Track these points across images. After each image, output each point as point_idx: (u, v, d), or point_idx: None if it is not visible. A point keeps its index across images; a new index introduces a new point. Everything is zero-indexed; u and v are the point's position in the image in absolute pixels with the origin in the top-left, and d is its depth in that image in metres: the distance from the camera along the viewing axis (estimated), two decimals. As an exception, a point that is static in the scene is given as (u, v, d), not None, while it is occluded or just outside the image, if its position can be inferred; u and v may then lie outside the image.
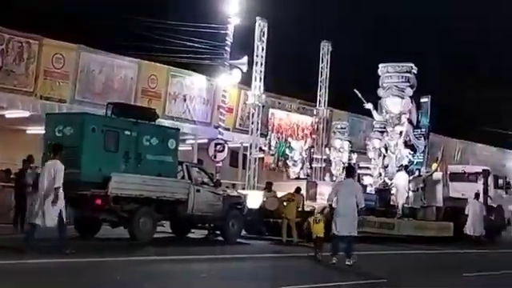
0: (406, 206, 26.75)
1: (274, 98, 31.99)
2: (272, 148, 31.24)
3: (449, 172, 31.76)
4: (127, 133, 17.97)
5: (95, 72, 26.82)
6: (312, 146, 32.63)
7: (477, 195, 27.48)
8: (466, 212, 26.44)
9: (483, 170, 31.81)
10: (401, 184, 26.73)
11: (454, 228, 27.84)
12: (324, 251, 16.54)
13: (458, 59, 50.63)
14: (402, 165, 27.77)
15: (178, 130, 21.10)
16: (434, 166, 29.51)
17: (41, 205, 14.15)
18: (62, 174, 14.15)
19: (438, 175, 28.85)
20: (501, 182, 32.56)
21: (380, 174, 28.10)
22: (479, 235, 26.48)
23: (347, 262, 15.38)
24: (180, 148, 20.48)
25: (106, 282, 11.18)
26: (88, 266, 13.03)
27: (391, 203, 26.95)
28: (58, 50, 25.63)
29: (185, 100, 30.07)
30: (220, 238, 20.78)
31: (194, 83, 30.47)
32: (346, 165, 25.91)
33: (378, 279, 13.64)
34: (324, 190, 26.44)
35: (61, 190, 14.15)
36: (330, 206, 16.16)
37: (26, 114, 25.28)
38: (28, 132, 27.81)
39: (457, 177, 31.46)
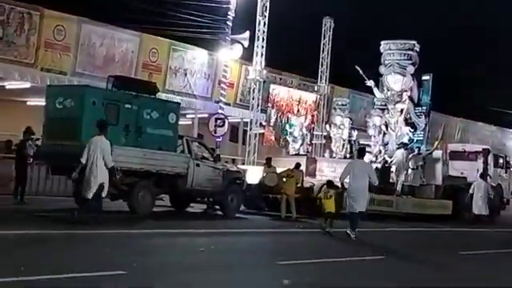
0: (405, 183, 26.84)
1: (274, 74, 31.97)
2: (272, 124, 31.24)
3: (449, 150, 31.81)
4: (128, 106, 17.96)
5: (96, 44, 26.82)
6: (312, 123, 32.64)
7: (482, 175, 27.62)
8: (471, 191, 26.58)
9: (483, 149, 31.86)
10: (400, 162, 26.78)
11: (452, 206, 27.95)
12: (335, 227, 17.47)
13: (460, 37, 50.50)
14: (401, 142, 27.80)
15: (179, 104, 21.12)
16: (435, 144, 29.56)
17: (88, 179, 14.98)
18: (110, 151, 15.19)
19: (437, 153, 28.89)
20: (500, 161, 32.64)
21: (380, 152, 28.13)
22: (484, 214, 26.63)
23: (351, 234, 16.38)
24: (180, 122, 20.52)
25: (103, 254, 11.26)
26: (86, 238, 13.13)
27: (390, 181, 27.02)
28: (59, 22, 25.61)
29: (186, 74, 30.09)
30: (219, 213, 20.89)
31: (196, 57, 30.46)
32: (358, 146, 25.93)
33: (376, 256, 13.76)
34: (323, 167, 26.62)
35: (103, 166, 15.02)
36: (342, 184, 17.21)
37: (27, 85, 25.34)
38: (28, 103, 27.87)
39: (457, 155, 31.51)
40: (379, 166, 26.97)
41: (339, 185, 17.78)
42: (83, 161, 15.10)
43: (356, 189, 16.78)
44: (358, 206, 16.79)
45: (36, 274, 8.81)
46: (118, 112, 17.75)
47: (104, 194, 15.42)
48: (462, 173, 30.41)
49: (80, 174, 15.31)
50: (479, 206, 26.34)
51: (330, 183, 19.44)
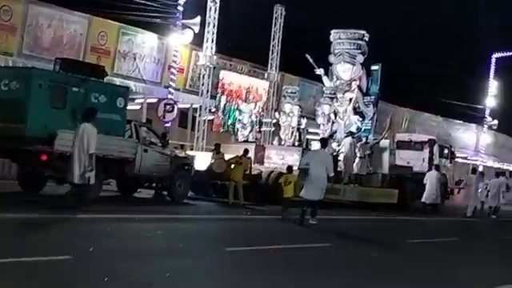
0: (352, 172, 27.09)
1: (225, 60, 31.85)
2: (221, 110, 31.15)
3: (396, 140, 32.24)
4: (75, 89, 17.71)
5: (44, 26, 26.30)
6: (262, 110, 32.66)
7: (436, 166, 28.62)
8: (425, 181, 27.25)
9: (429, 140, 32.36)
10: (348, 150, 27.00)
11: (398, 195, 28.34)
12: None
13: (409, 28, 51.10)
14: (350, 131, 28.02)
15: (128, 88, 20.98)
16: (382, 133, 29.89)
17: (72, 164, 15.20)
18: (95, 139, 15.35)
19: (385, 143, 29.24)
20: (446, 151, 33.24)
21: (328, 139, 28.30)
22: (436, 204, 27.19)
23: (312, 221, 17.03)
24: (129, 107, 20.34)
25: (48, 239, 11.12)
26: (31, 222, 12.94)
27: (338, 169, 27.23)
28: (5, 2, 25.02)
29: (135, 58, 29.74)
30: (167, 199, 20.81)
31: (145, 42, 30.14)
32: (321, 136, 26.03)
33: (324, 243, 13.87)
34: (272, 154, 26.71)
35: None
36: (302, 170, 17.99)
37: (-29, 66, 24.74)
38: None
39: (403, 145, 31.94)
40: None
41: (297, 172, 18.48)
42: (70, 149, 15.42)
43: (317, 177, 17.22)
44: (316, 194, 17.28)
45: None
46: (65, 95, 17.51)
47: (92, 181, 15.44)
48: (408, 162, 30.85)
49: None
50: (430, 196, 26.86)
51: (289, 169, 19.84)
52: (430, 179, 27.15)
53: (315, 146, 28.64)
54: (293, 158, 25.47)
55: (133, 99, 27.53)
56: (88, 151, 15.26)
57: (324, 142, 19.49)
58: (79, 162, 15.28)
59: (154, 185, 21.14)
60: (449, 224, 25.11)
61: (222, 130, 31.11)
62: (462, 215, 27.57)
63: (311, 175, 17.25)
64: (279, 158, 26.15)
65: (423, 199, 27.04)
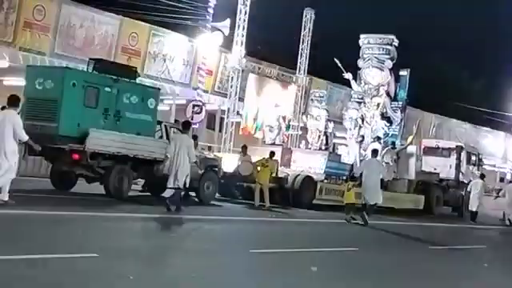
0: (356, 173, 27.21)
1: (253, 63, 32.07)
2: (247, 114, 31.34)
3: (423, 146, 32.22)
4: (107, 89, 18.06)
5: (76, 26, 26.74)
6: (289, 113, 32.80)
7: (482, 175, 29.24)
8: (469, 189, 28.14)
9: (457, 146, 32.34)
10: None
11: (424, 201, 28.40)
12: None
13: (439, 33, 50.97)
14: (377, 136, 28.13)
15: (159, 89, 21.25)
16: (409, 139, 29.93)
17: (175, 172, 16.74)
18: (193, 149, 17.30)
19: (412, 148, 29.29)
20: (473, 158, 33.14)
21: (358, 144, 28.41)
22: (475, 211, 27.77)
23: (361, 222, 19.28)
24: (158, 108, 20.63)
25: (77, 236, 11.40)
26: (61, 220, 13.25)
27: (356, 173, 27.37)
28: (39, 2, 25.48)
29: (165, 60, 30.09)
30: (195, 199, 21.05)
31: (175, 43, 30.48)
32: (372, 147, 26.37)
33: (350, 247, 13.99)
34: (298, 157, 26.87)
35: (187, 162, 16.80)
36: (357, 178, 20.48)
37: (5, 64, 25.22)
38: (5, 83, 27.74)
39: (430, 151, 31.93)
40: (354, 158, 27.38)
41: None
42: (168, 155, 16.87)
43: (372, 184, 19.71)
44: (371, 199, 19.73)
45: (10, 253, 8.90)
46: (97, 95, 17.84)
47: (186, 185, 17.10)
48: (434, 168, 30.86)
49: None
50: (475, 203, 27.51)
51: (352, 177, 21.41)
52: (475, 187, 27.49)
53: (342, 150, 28.84)
54: (319, 162, 25.66)
55: (162, 100, 27.85)
56: (190, 160, 16.85)
57: (375, 152, 21.96)
58: (178, 168, 16.68)
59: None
60: (471, 231, 25.12)
61: (253, 133, 31.23)
62: (501, 223, 27.82)
63: (366, 182, 19.63)
64: (306, 162, 26.33)
65: (470, 207, 27.74)
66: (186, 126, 17.93)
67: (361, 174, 20.26)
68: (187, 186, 17.29)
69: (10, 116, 13.90)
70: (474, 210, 27.59)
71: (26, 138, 14.08)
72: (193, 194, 21.26)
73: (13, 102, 14.24)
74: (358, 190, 20.41)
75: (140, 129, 18.58)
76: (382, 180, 20.75)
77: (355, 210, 20.04)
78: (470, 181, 28.95)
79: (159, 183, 20.79)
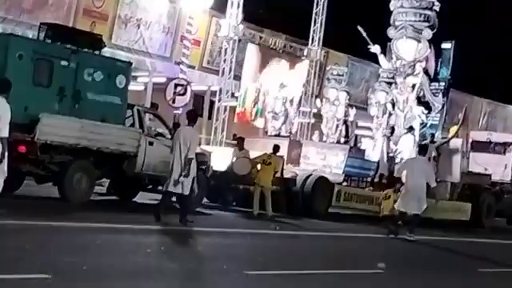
0: (396, 175, 27.17)
1: (253, 31, 31.98)
2: (247, 95, 31.32)
3: (471, 140, 32.10)
4: (64, 63, 18.00)
5: (24, -18, 26.71)
6: (300, 96, 32.78)
7: None
8: None
9: (514, 141, 32.31)
10: (408, 151, 27.05)
11: (472, 210, 28.37)
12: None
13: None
14: (411, 126, 28.08)
15: (130, 63, 21.14)
16: (453, 130, 29.86)
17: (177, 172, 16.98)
18: (197, 145, 17.80)
19: (456, 143, 29.18)
20: (535, 155, 33.09)
21: (385, 137, 28.38)
22: None
23: (409, 237, 19.64)
24: (130, 87, 20.57)
25: (24, 252, 11.33)
26: (3, 230, 13.17)
27: (396, 175, 27.31)
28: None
29: (139, 26, 30.04)
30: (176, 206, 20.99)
31: (153, 4, 30.42)
32: (420, 142, 26.54)
33: (377, 269, 13.90)
34: (310, 153, 26.82)
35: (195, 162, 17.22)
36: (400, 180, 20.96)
37: None
38: None
39: (480, 146, 31.90)
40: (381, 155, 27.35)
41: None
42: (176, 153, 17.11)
43: (415, 188, 19.79)
44: (414, 207, 19.88)
45: None
46: (51, 70, 17.81)
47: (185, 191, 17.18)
48: (485, 169, 30.81)
49: None
50: None
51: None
52: None
53: (366, 143, 28.80)
54: (337, 159, 25.61)
55: (135, 77, 27.79)
56: (188, 156, 16.87)
57: (423, 149, 22.07)
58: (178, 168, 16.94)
59: (160, 187, 21.32)
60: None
61: (252, 121, 31.21)
62: None
63: (408, 186, 19.80)
64: (320, 158, 26.28)
65: None
66: (192, 116, 17.94)
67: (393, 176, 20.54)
68: (196, 191, 18.08)
69: None
70: None
71: None
72: (173, 197, 21.20)
73: None
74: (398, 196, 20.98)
75: (105, 114, 18.51)
76: (428, 186, 20.51)
77: (397, 222, 20.27)
78: (497, 182, 28.65)
79: (129, 184, 20.83)
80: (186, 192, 17.16)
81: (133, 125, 19.67)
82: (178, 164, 16.95)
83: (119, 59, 22.05)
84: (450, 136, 29.39)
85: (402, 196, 20.34)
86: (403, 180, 20.26)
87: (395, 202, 21.07)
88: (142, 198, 21.87)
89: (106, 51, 22.86)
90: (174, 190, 17.16)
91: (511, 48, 48.74)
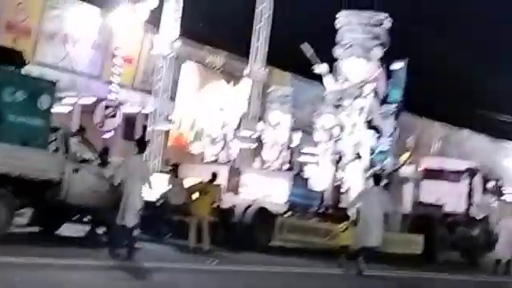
0: (352, 208, 27.27)
1: (191, 48, 31.97)
2: (183, 118, 31.28)
3: (422, 167, 32.37)
4: (-21, 82, 17.84)
5: None
6: (240, 119, 32.80)
7: None
8: (497, 230, 28.52)
9: (469, 168, 32.54)
10: (356, 179, 27.17)
11: (424, 243, 28.52)
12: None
13: (447, 13, 51.44)
14: (358, 153, 28.21)
15: (55, 82, 20.97)
16: (404, 157, 30.05)
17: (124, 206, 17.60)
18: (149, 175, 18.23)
19: (407, 170, 29.41)
20: (491, 185, 33.38)
21: (332, 164, 28.49)
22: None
23: (363, 272, 20.01)
24: (55, 109, 20.39)
25: None
26: None
27: (341, 205, 27.42)
28: None
29: (65, 41, 29.86)
30: (104, 239, 20.85)
31: (81, 19, 30.24)
32: (372, 171, 26.72)
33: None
34: (249, 180, 26.78)
35: (140, 193, 17.79)
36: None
37: None
38: None
39: (433, 174, 32.04)
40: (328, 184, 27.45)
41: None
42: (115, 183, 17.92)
43: (372, 221, 20.18)
44: (370, 241, 20.17)
45: None
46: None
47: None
48: (438, 198, 31.00)
49: None
50: (506, 249, 27.65)
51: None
52: (507, 228, 27.63)
53: (310, 171, 28.87)
54: (279, 188, 25.64)
55: (61, 98, 27.59)
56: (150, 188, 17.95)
57: (378, 179, 22.27)
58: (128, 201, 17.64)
59: (86, 218, 21.15)
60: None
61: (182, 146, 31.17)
62: None
63: (366, 219, 20.14)
64: (261, 187, 26.26)
65: (496, 254, 27.97)
66: (141, 144, 18.65)
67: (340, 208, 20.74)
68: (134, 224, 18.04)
69: None
70: (504, 259, 27.71)
71: None
72: (101, 230, 21.05)
73: None
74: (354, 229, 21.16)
75: (27, 137, 18.29)
76: (386, 216, 21.24)
77: (352, 255, 20.50)
78: (486, 217, 29.05)
79: (53, 214, 20.62)
80: (131, 224, 17.51)
81: (57, 149, 19.47)
82: (133, 197, 17.40)
83: (43, 78, 21.81)
84: (400, 163, 29.57)
85: (359, 229, 20.58)
86: (354, 213, 20.94)
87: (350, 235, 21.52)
88: (68, 229, 21.67)
89: (29, 69, 22.70)
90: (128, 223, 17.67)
91: (465, 70, 49.35)
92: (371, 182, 27.55)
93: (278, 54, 35.00)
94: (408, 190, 29.08)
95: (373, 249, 20.44)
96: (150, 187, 18.15)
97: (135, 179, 17.67)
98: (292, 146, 28.77)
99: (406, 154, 30.28)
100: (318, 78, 31.06)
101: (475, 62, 50.10)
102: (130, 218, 17.51)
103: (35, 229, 20.89)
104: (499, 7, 53.01)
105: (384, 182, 28.05)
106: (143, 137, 19.41)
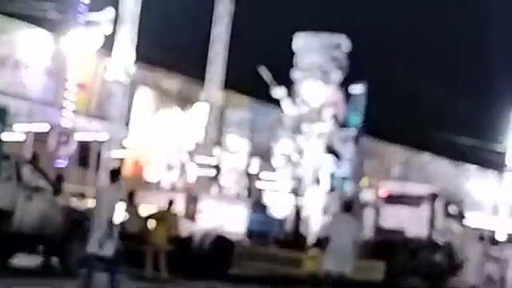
0: (319, 236, 27.33)
1: (146, 72, 31.97)
2: (138, 144, 31.25)
3: (383, 192, 32.53)
4: None
5: None
6: (196, 145, 32.81)
7: (481, 238, 29.86)
8: (463, 256, 29.27)
9: (430, 193, 32.75)
10: (315, 205, 27.30)
11: (385, 270, 28.66)
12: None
13: (406, 37, 51.89)
14: (318, 178, 28.35)
15: (5, 109, 20.93)
16: (364, 181, 30.24)
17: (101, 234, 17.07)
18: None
19: (367, 195, 29.54)
20: (453, 209, 33.61)
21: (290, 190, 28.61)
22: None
23: None
24: (7, 136, 20.34)
25: None
26: None
27: (301, 232, 27.54)
28: None
29: (17, 67, 29.77)
30: (58, 268, 20.74)
31: (33, 43, 30.19)
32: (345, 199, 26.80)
33: None
34: (207, 207, 26.79)
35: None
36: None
37: None
38: None
39: (393, 199, 32.21)
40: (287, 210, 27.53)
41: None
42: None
43: (339, 248, 19.37)
44: (339, 266, 19.31)
45: None
46: None
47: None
48: (399, 224, 31.18)
49: None
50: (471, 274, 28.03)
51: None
52: (475, 253, 28.12)
53: (269, 197, 28.97)
54: (238, 215, 25.69)
55: (12, 125, 27.49)
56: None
57: (347, 206, 21.32)
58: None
59: (40, 247, 21.05)
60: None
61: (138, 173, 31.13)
62: None
63: (335, 245, 19.33)
64: (219, 214, 26.28)
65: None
66: (115, 174, 18.23)
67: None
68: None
69: None
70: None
71: None
72: (55, 258, 20.96)
73: None
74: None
75: (-22, 166, 18.26)
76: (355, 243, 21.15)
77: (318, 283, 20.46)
78: (448, 241, 29.31)
79: (5, 244, 20.51)
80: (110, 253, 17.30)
81: (9, 178, 19.41)
82: (102, 225, 17.21)
83: (-6, 104, 21.77)
84: (360, 188, 29.75)
85: (327, 256, 20.07)
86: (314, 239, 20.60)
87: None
88: (20, 260, 21.56)
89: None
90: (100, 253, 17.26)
91: (424, 93, 49.73)
92: (337, 208, 27.90)
93: (236, 77, 35.07)
94: (369, 216, 29.18)
95: (344, 277, 20.14)
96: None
97: (109, 208, 17.30)
98: (250, 172, 28.82)
99: (366, 179, 30.48)
100: (277, 102, 31.21)
101: (435, 85, 50.54)
102: (109, 247, 17.20)
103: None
104: (459, 31, 53.64)
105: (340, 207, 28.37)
106: (117, 169, 19.22)
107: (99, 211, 17.09)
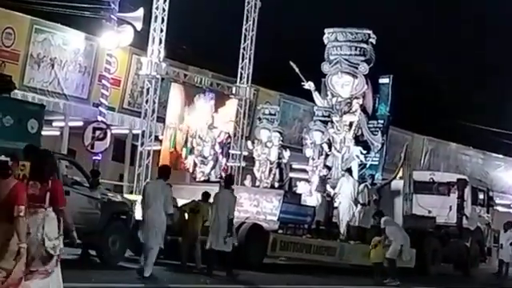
0: (351, 224, 27.17)
1: (177, 69, 31.91)
2: (172, 138, 31.18)
3: (413, 180, 32.33)
4: (-32, 107, 17.79)
5: None
6: (229, 138, 32.73)
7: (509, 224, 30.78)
8: (501, 242, 30.43)
9: (458, 180, 32.53)
10: (346, 194, 27.10)
11: (416, 257, 28.45)
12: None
13: (432, 30, 51.57)
14: (348, 168, 28.17)
15: (43, 106, 20.95)
16: (395, 171, 30.04)
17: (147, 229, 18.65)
18: (171, 199, 19.25)
19: (397, 184, 29.38)
20: (481, 196, 33.40)
21: (321, 180, 28.42)
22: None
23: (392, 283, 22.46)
24: (44, 132, 20.32)
25: None
26: None
27: (333, 220, 27.35)
28: None
29: (53, 66, 29.75)
30: (96, 260, 20.71)
31: (68, 43, 30.17)
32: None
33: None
34: (243, 199, 26.66)
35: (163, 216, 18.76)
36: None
37: None
38: None
39: (423, 187, 32.05)
40: (319, 199, 27.35)
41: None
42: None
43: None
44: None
45: None
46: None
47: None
48: (429, 211, 31.00)
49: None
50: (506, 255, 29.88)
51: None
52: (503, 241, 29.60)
53: (301, 187, 28.80)
54: (271, 205, 25.51)
55: (50, 122, 27.48)
56: (167, 211, 18.73)
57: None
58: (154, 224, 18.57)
59: (78, 241, 20.97)
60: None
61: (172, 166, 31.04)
62: None
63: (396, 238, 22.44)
64: (253, 205, 26.13)
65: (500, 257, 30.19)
66: (164, 171, 19.56)
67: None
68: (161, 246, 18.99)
69: None
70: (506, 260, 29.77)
71: None
72: (93, 251, 20.91)
73: None
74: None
75: (17, 162, 18.19)
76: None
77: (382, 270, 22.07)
78: (478, 228, 29.43)
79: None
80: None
81: (47, 173, 19.35)
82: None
83: (31, 102, 21.83)
84: (391, 177, 29.57)
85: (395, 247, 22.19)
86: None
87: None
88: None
89: (17, 93, 22.68)
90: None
91: (451, 84, 49.42)
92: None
93: (266, 73, 34.97)
94: (399, 204, 29.00)
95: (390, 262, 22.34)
96: (167, 210, 18.89)
97: (157, 202, 18.45)
98: (282, 163, 28.66)
99: (397, 168, 30.25)
100: (307, 95, 31.06)
101: (462, 75, 50.23)
102: (160, 239, 18.74)
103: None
104: (485, 19, 53.25)
105: (374, 196, 28.16)
106: (166, 165, 20.20)
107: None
